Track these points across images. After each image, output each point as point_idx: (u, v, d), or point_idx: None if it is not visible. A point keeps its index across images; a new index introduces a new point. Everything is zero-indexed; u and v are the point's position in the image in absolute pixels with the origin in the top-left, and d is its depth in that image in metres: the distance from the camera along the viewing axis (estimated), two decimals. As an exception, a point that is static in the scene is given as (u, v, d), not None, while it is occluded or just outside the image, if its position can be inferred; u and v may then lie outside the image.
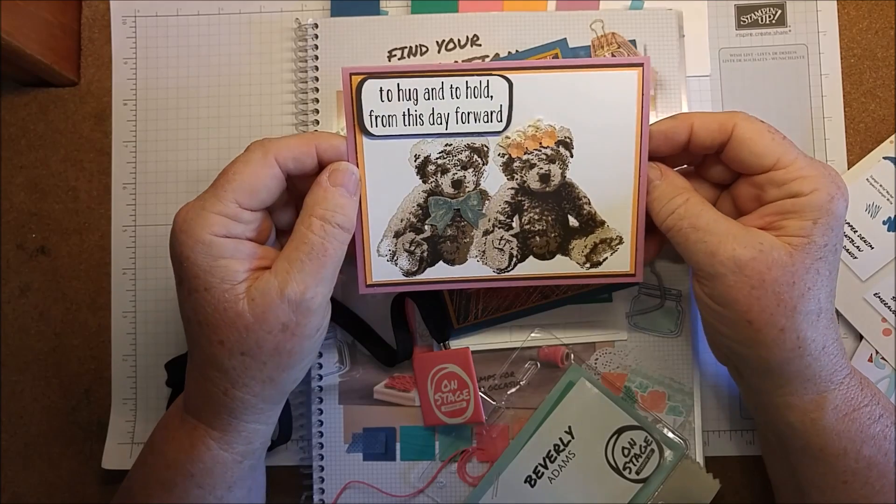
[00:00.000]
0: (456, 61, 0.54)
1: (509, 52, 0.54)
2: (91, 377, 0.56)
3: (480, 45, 0.54)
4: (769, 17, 0.55)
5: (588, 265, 0.47)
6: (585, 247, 0.47)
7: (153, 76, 0.56)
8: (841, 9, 0.55)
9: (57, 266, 0.56)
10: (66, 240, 0.56)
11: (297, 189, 0.45)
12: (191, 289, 0.40)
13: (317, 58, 0.54)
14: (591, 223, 0.46)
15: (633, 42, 0.53)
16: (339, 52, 0.54)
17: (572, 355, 0.53)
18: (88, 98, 0.57)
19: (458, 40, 0.54)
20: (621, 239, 0.46)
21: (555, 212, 0.46)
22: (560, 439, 0.51)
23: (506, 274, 0.47)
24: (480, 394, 0.52)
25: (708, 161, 0.46)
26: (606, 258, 0.47)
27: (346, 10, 0.55)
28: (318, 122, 0.54)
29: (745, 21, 0.55)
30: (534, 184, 0.46)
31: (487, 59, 0.54)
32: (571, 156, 0.46)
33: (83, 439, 0.56)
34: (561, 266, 0.47)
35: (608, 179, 0.46)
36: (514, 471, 0.51)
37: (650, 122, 0.45)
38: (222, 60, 0.56)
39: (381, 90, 0.44)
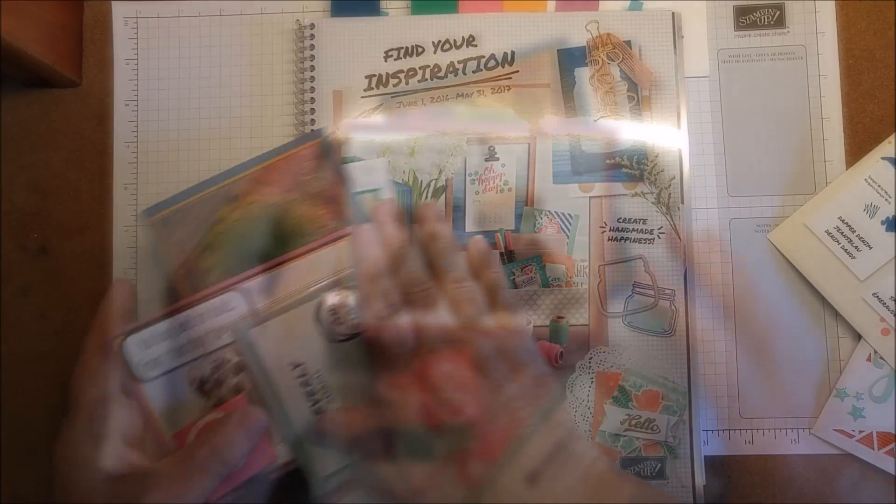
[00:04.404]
0: (452, 62, 0.54)
1: (507, 52, 0.54)
2: (91, 376, 0.56)
3: (476, 46, 0.54)
4: (768, 17, 0.55)
5: None
6: None
7: (154, 77, 0.57)
8: (839, 9, 0.55)
9: (58, 266, 0.56)
10: (68, 240, 0.56)
11: None
12: None
13: (313, 58, 0.54)
14: None
15: (629, 43, 0.54)
16: (336, 52, 0.54)
17: (566, 354, 0.53)
18: (90, 99, 0.57)
19: (455, 41, 0.54)
20: None
21: None
22: (558, 439, 0.51)
23: None
24: (478, 394, 0.52)
25: None
26: None
27: (346, 10, 0.55)
28: (314, 122, 0.54)
29: (743, 22, 0.55)
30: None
31: (484, 60, 0.54)
32: None
33: (83, 438, 0.56)
34: None
35: None
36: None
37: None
38: (223, 62, 0.56)
39: (143, 342, 0.47)
